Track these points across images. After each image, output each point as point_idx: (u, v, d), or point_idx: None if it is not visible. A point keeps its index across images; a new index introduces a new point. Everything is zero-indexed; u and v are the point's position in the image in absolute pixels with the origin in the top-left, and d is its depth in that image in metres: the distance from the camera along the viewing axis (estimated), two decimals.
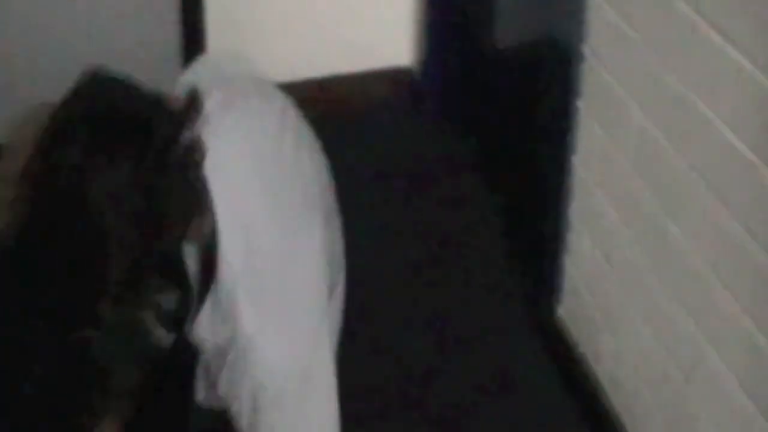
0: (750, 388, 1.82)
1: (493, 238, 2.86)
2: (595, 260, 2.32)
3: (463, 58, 3.17)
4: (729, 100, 1.77)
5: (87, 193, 1.64)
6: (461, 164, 3.11)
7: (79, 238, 1.69)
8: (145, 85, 1.73)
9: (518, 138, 2.86)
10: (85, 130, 1.68)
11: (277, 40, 3.12)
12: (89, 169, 1.65)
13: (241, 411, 1.84)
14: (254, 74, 2.03)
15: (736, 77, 1.73)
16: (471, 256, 2.82)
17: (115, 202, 1.65)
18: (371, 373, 2.45)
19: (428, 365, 2.52)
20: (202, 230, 1.77)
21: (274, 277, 1.80)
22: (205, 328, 1.86)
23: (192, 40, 3.03)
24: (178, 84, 1.89)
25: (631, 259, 2.16)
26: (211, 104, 1.79)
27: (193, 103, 1.76)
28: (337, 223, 2.03)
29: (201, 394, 1.97)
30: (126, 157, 1.66)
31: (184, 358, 2.06)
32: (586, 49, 2.24)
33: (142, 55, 2.91)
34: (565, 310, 2.50)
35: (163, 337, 2.06)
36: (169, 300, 2.03)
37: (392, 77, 3.33)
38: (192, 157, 1.73)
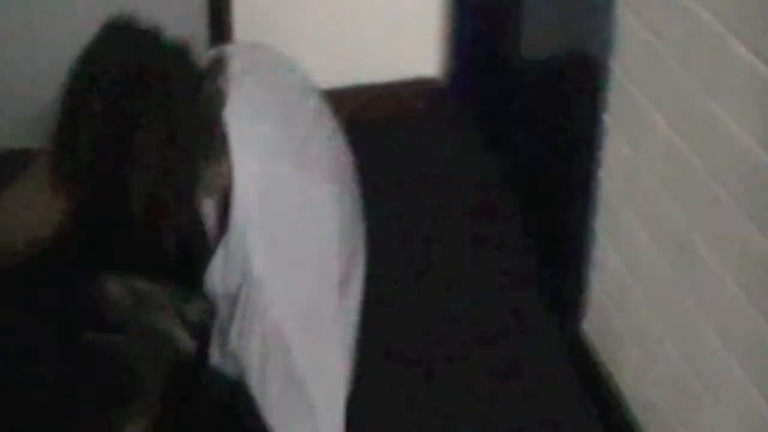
0: None
1: (517, 250, 2.86)
2: (620, 274, 2.31)
3: (490, 69, 3.17)
4: (757, 116, 1.76)
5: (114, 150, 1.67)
6: (486, 175, 3.10)
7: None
8: (169, 34, 1.74)
9: (544, 150, 2.85)
10: (108, 81, 1.69)
11: (305, 49, 3.10)
12: (113, 122, 1.67)
13: (250, 362, 1.82)
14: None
15: (765, 93, 1.73)
16: (495, 267, 2.82)
17: (140, 151, 1.68)
18: (391, 380, 2.45)
19: (450, 374, 2.52)
20: (220, 180, 1.78)
21: (287, 225, 1.80)
22: (216, 277, 1.86)
23: None
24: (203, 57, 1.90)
25: (657, 274, 2.15)
26: (235, 65, 1.81)
27: (217, 60, 1.79)
28: (356, 210, 2.03)
29: (215, 357, 1.96)
30: (149, 108, 1.68)
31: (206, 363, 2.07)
32: (614, 63, 2.23)
33: None
34: (590, 324, 2.49)
35: (186, 343, 2.07)
36: (193, 308, 2.04)
37: (419, 87, 3.33)
38: (213, 105, 1.75)
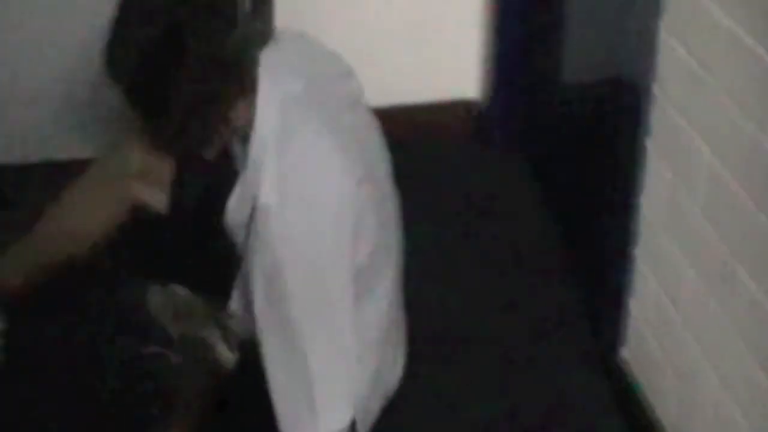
0: None
1: (556, 275, 2.83)
2: (661, 303, 2.28)
3: (531, 92, 3.15)
4: None
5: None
6: (525, 199, 3.08)
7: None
8: None
9: (584, 175, 2.83)
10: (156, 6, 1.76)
11: None
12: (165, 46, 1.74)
13: (255, 299, 1.82)
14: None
15: None
16: (533, 292, 2.79)
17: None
18: (429, 401, 2.43)
19: (487, 397, 2.49)
20: (248, 115, 1.82)
21: (302, 163, 1.82)
22: (234, 210, 1.87)
23: None
24: None
25: (698, 304, 2.12)
26: (281, 33, 1.87)
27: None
28: (386, 209, 2.05)
29: (235, 303, 1.95)
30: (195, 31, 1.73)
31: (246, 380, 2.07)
32: (656, 89, 2.21)
33: None
34: (630, 353, 2.46)
35: (227, 356, 2.07)
36: (234, 321, 2.04)
37: (459, 109, 3.32)
38: (251, 42, 1.80)
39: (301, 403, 1.85)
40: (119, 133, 2.37)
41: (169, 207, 2.12)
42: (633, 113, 2.28)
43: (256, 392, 2.01)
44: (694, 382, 2.17)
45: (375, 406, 2.10)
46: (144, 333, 2.19)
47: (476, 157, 3.24)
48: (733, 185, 1.95)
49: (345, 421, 1.88)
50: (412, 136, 3.16)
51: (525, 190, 3.11)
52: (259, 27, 1.80)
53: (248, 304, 1.88)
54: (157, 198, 2.10)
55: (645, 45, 2.20)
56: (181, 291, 2.15)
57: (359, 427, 1.97)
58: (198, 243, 2.14)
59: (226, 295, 2.06)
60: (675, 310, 2.23)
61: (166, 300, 2.15)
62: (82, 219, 2.21)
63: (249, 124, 1.83)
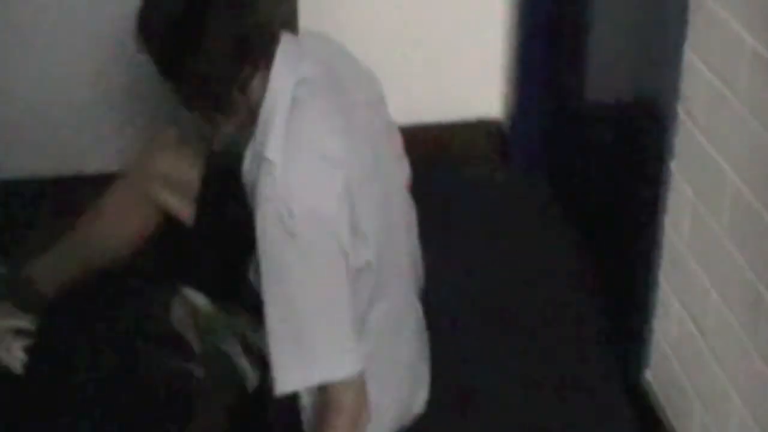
0: None
1: (579, 296, 2.81)
2: (685, 325, 2.26)
3: (554, 112, 3.14)
4: None
5: None
6: (548, 219, 3.07)
7: None
8: None
9: (608, 196, 2.82)
10: None
11: None
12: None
13: (260, 247, 1.86)
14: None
15: None
16: (556, 312, 2.77)
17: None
18: (455, 420, 2.42)
19: (509, 417, 2.48)
20: (262, 92, 1.91)
21: (308, 126, 1.89)
22: (248, 172, 1.94)
23: None
24: None
25: (723, 326, 2.10)
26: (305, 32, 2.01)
27: None
28: (399, 208, 2.10)
29: (252, 274, 1.97)
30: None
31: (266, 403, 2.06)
32: (681, 109, 2.19)
33: None
34: (654, 375, 2.44)
35: (249, 372, 2.07)
36: (256, 336, 2.04)
37: (481, 128, 3.31)
38: (274, 19, 1.91)
39: (293, 345, 1.88)
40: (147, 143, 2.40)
41: (194, 219, 2.15)
42: (657, 133, 2.27)
43: (275, 415, 2.00)
44: (717, 406, 2.15)
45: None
46: (168, 346, 2.20)
47: (499, 177, 3.23)
48: (757, 207, 1.93)
49: (346, 371, 1.90)
50: (435, 156, 3.16)
51: (548, 211, 3.10)
52: (281, 7, 1.92)
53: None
54: (184, 209, 2.15)
55: (669, 65, 2.19)
56: (203, 303, 2.15)
57: None
58: (217, 252, 2.15)
59: (244, 303, 2.08)
60: (699, 332, 2.21)
61: (189, 312, 2.16)
62: (114, 227, 2.28)
63: (261, 102, 1.92)
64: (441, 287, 2.41)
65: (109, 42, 2.90)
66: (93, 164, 3.00)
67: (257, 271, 1.90)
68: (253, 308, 1.96)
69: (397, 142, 2.16)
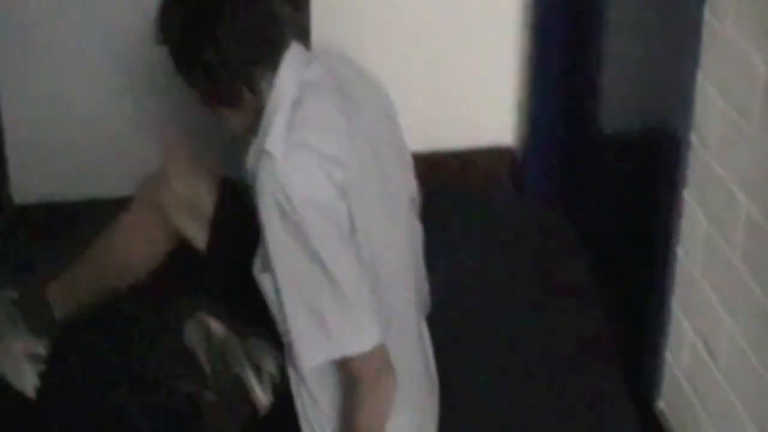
0: None
1: (592, 324, 2.81)
2: (698, 354, 2.25)
3: (567, 140, 3.14)
4: None
5: None
6: (561, 248, 3.07)
7: None
8: None
9: (621, 224, 2.81)
10: None
11: None
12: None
13: (264, 231, 1.89)
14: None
15: None
16: (569, 341, 2.77)
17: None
18: None
19: None
20: (268, 94, 1.97)
21: (310, 121, 1.94)
22: (252, 166, 1.96)
23: None
24: None
25: (737, 355, 2.10)
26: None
27: None
28: (401, 213, 2.12)
29: (258, 266, 1.98)
30: None
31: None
32: (694, 137, 2.19)
33: None
34: (666, 404, 2.43)
35: (261, 396, 2.07)
36: (269, 359, 2.04)
37: (494, 156, 3.31)
38: (284, 20, 1.99)
39: (312, 324, 1.91)
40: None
41: (207, 245, 2.16)
42: (670, 161, 2.27)
43: None
44: None
45: None
46: (180, 370, 2.21)
47: (511, 204, 3.23)
48: None
49: (364, 344, 1.92)
50: (448, 183, 3.16)
51: (561, 238, 3.09)
52: (292, 11, 1.99)
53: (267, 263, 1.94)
54: (197, 235, 2.17)
55: (682, 93, 2.19)
56: (217, 327, 2.16)
57: None
58: (230, 277, 2.16)
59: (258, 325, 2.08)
60: (712, 359, 2.20)
61: (203, 336, 2.17)
62: (128, 249, 2.30)
63: (266, 104, 1.97)
64: (449, 311, 2.41)
65: (130, 68, 2.92)
66: (111, 189, 3.01)
67: (264, 265, 1.93)
68: (261, 314, 1.98)
69: (405, 157, 2.17)
